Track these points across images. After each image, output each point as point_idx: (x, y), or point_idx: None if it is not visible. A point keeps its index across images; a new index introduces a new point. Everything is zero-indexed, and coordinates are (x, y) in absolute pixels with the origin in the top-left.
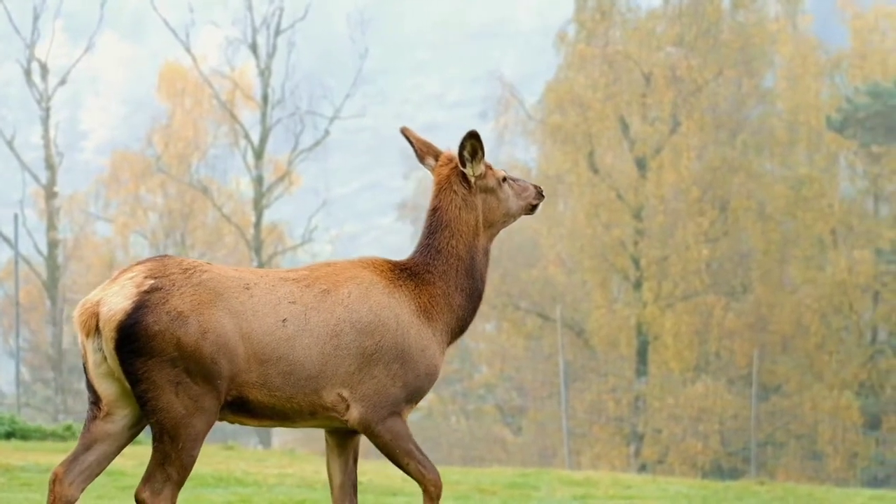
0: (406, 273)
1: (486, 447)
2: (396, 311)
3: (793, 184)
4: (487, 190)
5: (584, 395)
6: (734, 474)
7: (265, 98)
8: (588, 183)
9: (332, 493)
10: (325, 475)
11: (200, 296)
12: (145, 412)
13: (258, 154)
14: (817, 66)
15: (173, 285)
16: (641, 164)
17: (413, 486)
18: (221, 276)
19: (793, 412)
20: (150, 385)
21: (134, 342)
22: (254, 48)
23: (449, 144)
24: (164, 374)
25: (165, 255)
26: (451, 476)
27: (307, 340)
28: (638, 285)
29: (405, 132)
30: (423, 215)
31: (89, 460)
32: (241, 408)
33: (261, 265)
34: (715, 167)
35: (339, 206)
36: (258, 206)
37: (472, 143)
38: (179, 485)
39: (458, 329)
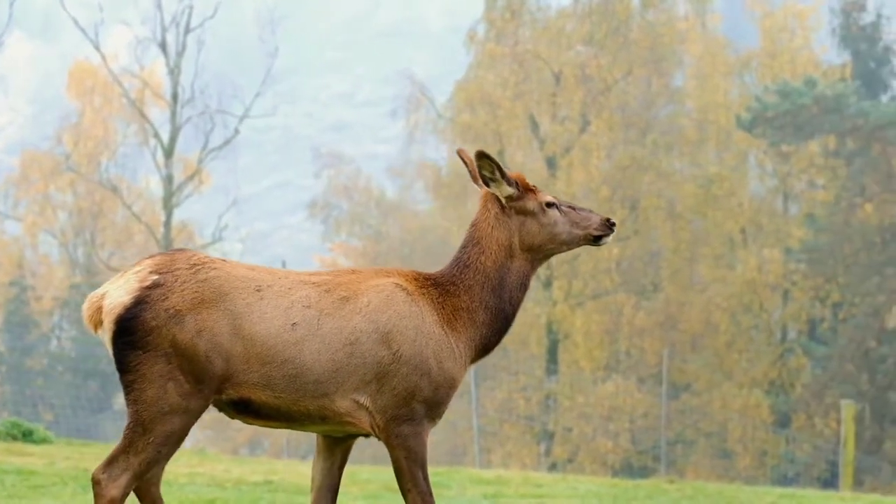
0: (431, 284)
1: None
2: (417, 321)
3: (702, 183)
4: (526, 212)
5: (495, 393)
6: (644, 473)
7: (175, 97)
8: None
9: (311, 493)
10: (235, 474)
11: (203, 294)
12: (127, 400)
13: (168, 153)
14: (727, 66)
15: (176, 281)
16: (551, 163)
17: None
18: (230, 276)
19: (703, 410)
20: (138, 377)
21: (130, 335)
22: (163, 47)
23: (359, 142)
24: (156, 368)
25: (180, 249)
26: (361, 475)
27: (317, 346)
28: (548, 284)
29: (461, 154)
30: (333, 214)
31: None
32: (246, 408)
33: None
34: (625, 166)
35: (249, 204)
36: (168, 205)
37: (481, 163)
38: (138, 477)
39: (482, 347)
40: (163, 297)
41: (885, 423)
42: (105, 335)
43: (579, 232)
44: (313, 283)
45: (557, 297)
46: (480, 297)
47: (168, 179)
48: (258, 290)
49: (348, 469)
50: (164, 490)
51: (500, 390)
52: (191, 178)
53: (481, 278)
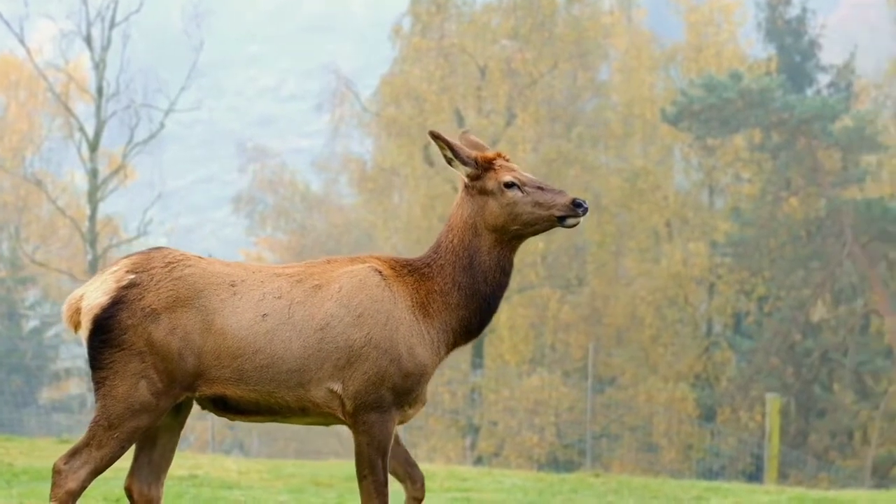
0: (407, 269)
1: (322, 440)
2: (389, 305)
3: (628, 176)
4: (486, 192)
5: None
6: (570, 467)
7: (100, 91)
8: (423, 176)
9: (396, 478)
10: None
11: (178, 292)
12: (96, 395)
13: (93, 147)
14: (652, 59)
15: (151, 280)
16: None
17: (249, 480)
18: (206, 273)
19: (628, 404)
20: (111, 374)
21: (107, 334)
22: (88, 41)
23: (284, 136)
24: (130, 366)
25: (156, 248)
26: (286, 469)
27: (288, 334)
28: None
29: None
30: (258, 208)
31: (154, 458)
32: (225, 405)
33: (95, 259)
34: (550, 160)
35: (175, 199)
36: (93, 199)
37: (436, 143)
38: (98, 472)
39: (462, 330)
40: (139, 297)
41: (810, 417)
42: (83, 335)
43: (542, 213)
44: (287, 274)
45: None
46: (452, 277)
47: (93, 174)
48: (232, 286)
49: (272, 463)
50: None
51: None
52: (116, 172)
53: (452, 258)
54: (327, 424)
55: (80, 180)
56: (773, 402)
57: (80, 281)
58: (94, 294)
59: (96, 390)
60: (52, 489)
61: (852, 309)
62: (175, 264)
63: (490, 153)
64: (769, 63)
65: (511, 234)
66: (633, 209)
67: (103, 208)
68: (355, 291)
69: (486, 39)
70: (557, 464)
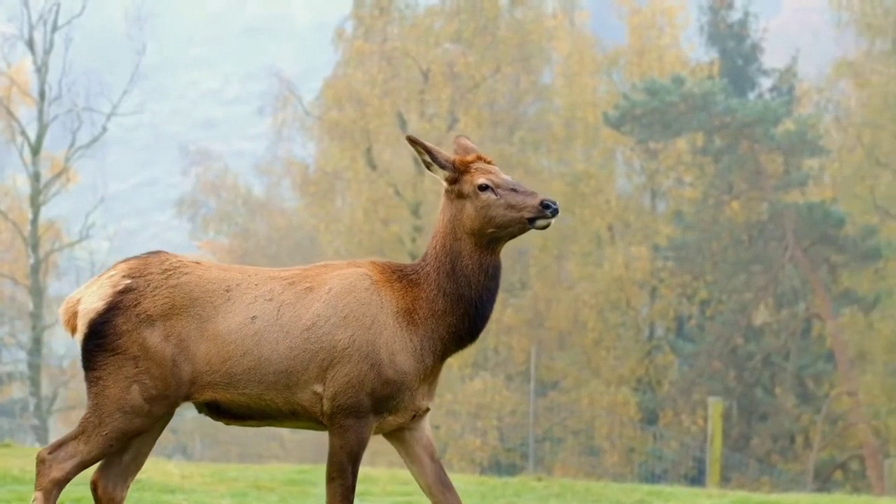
0: (398, 275)
1: (263, 444)
2: (375, 309)
3: (570, 180)
4: (462, 195)
5: None
6: (512, 470)
7: (42, 94)
8: (366, 179)
9: (429, 498)
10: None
11: (174, 299)
12: (89, 392)
13: (35, 150)
14: (594, 63)
15: (148, 286)
16: (419, 161)
17: (192, 484)
18: (202, 279)
19: (570, 408)
20: (104, 374)
21: (102, 338)
22: (30, 44)
23: (227, 139)
24: (124, 370)
25: (153, 253)
26: (229, 473)
27: (275, 335)
28: None
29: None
30: (201, 211)
31: (125, 459)
32: (218, 410)
33: (37, 262)
34: None
35: (117, 202)
36: (35, 203)
37: (413, 148)
38: (83, 466)
39: (452, 338)
40: (135, 303)
41: (752, 420)
42: (77, 336)
43: (514, 215)
44: (281, 277)
45: None
46: (437, 283)
47: (35, 177)
48: (227, 291)
49: (215, 467)
50: (28, 489)
51: None
52: (58, 175)
53: (436, 264)
54: (321, 430)
55: (22, 184)
56: (716, 405)
57: (21, 285)
58: (91, 298)
59: (89, 388)
60: (37, 478)
61: (794, 313)
62: (172, 271)
63: (469, 156)
64: (711, 67)
65: (488, 237)
66: (576, 213)
67: (45, 212)
68: (344, 293)
69: (428, 43)
70: (500, 467)
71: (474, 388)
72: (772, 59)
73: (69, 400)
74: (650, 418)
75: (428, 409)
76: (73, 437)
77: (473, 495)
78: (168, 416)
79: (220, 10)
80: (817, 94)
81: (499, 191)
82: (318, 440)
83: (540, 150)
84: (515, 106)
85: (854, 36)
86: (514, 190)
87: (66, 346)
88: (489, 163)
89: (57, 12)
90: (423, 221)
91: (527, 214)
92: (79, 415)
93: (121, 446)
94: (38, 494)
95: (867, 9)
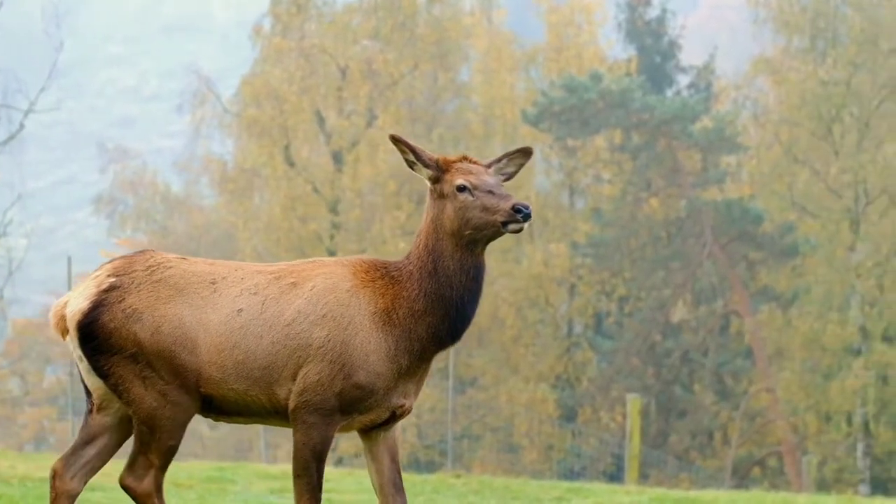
0: (381, 273)
1: (182, 442)
2: (353, 311)
3: None
4: (443, 196)
5: None
6: (431, 467)
7: None
8: (284, 176)
9: (377, 497)
10: (20, 470)
11: (158, 293)
12: (123, 403)
13: None
14: (512, 60)
15: (132, 283)
16: (338, 158)
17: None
18: (187, 273)
19: (489, 405)
20: (118, 379)
21: (94, 339)
22: None
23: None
24: (128, 369)
25: (139, 252)
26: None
27: (259, 329)
28: None
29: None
30: (119, 209)
31: (90, 454)
32: (210, 406)
33: None
34: (411, 161)
35: (35, 200)
36: None
37: (397, 147)
38: (163, 469)
39: (431, 338)
40: (119, 299)
41: (671, 417)
42: (73, 342)
43: (489, 218)
44: (267, 272)
45: None
46: (419, 282)
47: None
48: (213, 284)
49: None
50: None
51: None
52: None
53: (419, 263)
54: None
55: None
56: (634, 402)
57: None
58: (77, 300)
59: (119, 398)
60: (135, 500)
61: (712, 309)
62: (156, 267)
63: (454, 156)
64: (629, 64)
65: (467, 239)
66: None
67: None
68: (326, 292)
69: (346, 40)
70: (419, 464)
71: None
72: (689, 56)
73: None
74: (569, 415)
75: (409, 409)
76: (138, 452)
77: None
78: (195, 405)
79: (138, 7)
80: (735, 91)
81: (476, 192)
82: (238, 437)
83: (458, 147)
84: (434, 103)
85: (771, 33)
86: (490, 192)
87: None
88: (474, 163)
89: None
90: (341, 219)
91: (500, 218)
92: None
93: (181, 436)
94: None
95: (784, 6)
